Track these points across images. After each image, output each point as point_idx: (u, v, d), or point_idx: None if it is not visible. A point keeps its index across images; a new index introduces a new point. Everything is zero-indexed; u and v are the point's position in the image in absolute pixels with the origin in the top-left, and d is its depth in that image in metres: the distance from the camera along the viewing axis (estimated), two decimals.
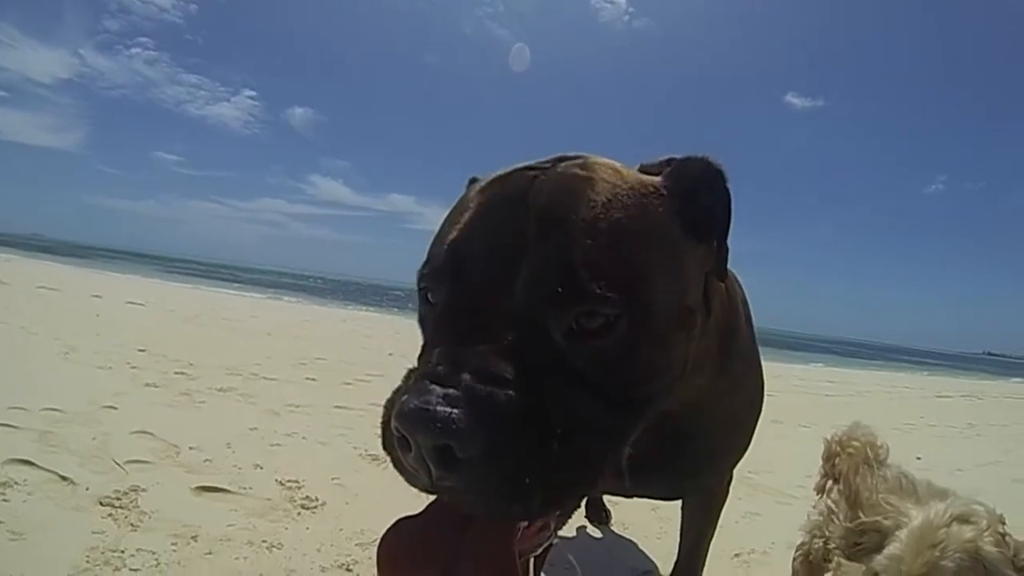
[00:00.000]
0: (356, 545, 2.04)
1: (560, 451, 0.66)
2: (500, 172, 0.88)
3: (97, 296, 8.76)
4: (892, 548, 1.40)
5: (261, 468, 2.61)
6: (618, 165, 0.88)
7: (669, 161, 0.91)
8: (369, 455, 3.04)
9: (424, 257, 0.84)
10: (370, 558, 1.95)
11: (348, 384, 4.93)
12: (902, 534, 1.39)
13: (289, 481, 2.50)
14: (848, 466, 1.73)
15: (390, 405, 0.71)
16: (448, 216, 0.87)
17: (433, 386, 0.62)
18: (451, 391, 0.61)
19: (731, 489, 3.18)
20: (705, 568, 2.12)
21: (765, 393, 1.41)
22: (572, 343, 0.69)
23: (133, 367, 4.25)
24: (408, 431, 0.61)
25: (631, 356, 0.74)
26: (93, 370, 3.99)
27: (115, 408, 3.13)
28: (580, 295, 0.69)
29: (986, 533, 1.29)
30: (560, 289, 0.68)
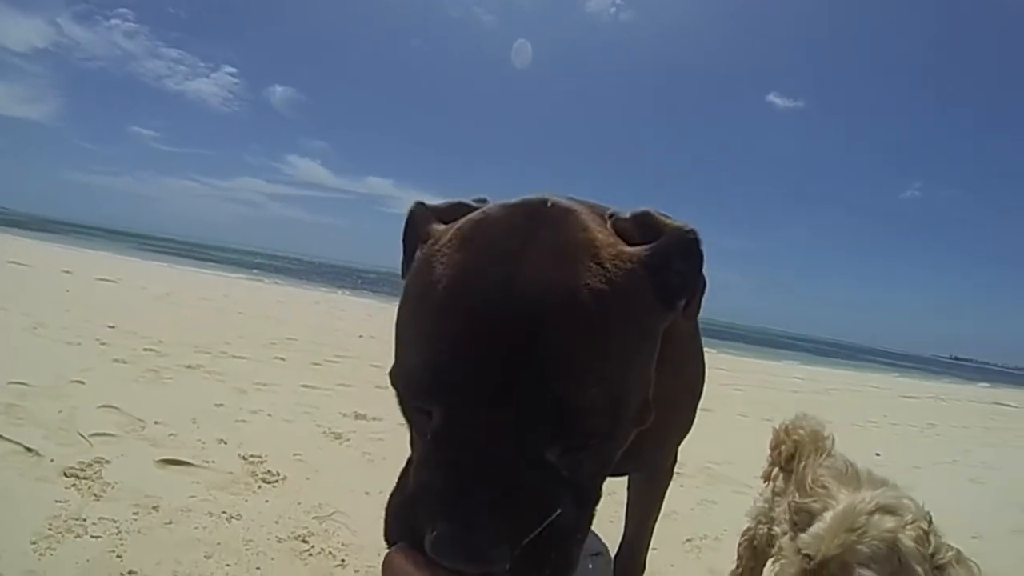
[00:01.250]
0: (313, 518, 2.08)
1: (558, 548, 0.74)
2: (467, 238, 0.81)
3: (67, 272, 8.63)
4: (816, 528, 1.43)
5: (225, 443, 2.64)
6: (598, 239, 0.81)
7: (644, 218, 0.88)
8: (332, 433, 3.09)
9: (397, 339, 0.83)
10: (326, 530, 2.01)
11: (317, 364, 4.94)
12: (827, 516, 1.43)
13: (252, 456, 2.53)
14: (794, 452, 1.77)
15: (403, 516, 0.76)
16: (416, 296, 0.81)
17: (459, 523, 0.67)
18: (476, 528, 0.67)
19: (689, 478, 3.28)
20: (656, 551, 2.16)
21: (706, 375, 1.45)
22: (562, 459, 0.74)
23: (102, 343, 4.23)
24: (451, 566, 0.67)
25: (604, 458, 0.81)
26: (62, 345, 3.98)
27: (82, 383, 3.13)
28: (577, 436, 0.73)
29: (908, 527, 1.31)
30: (560, 432, 0.72)
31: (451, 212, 0.91)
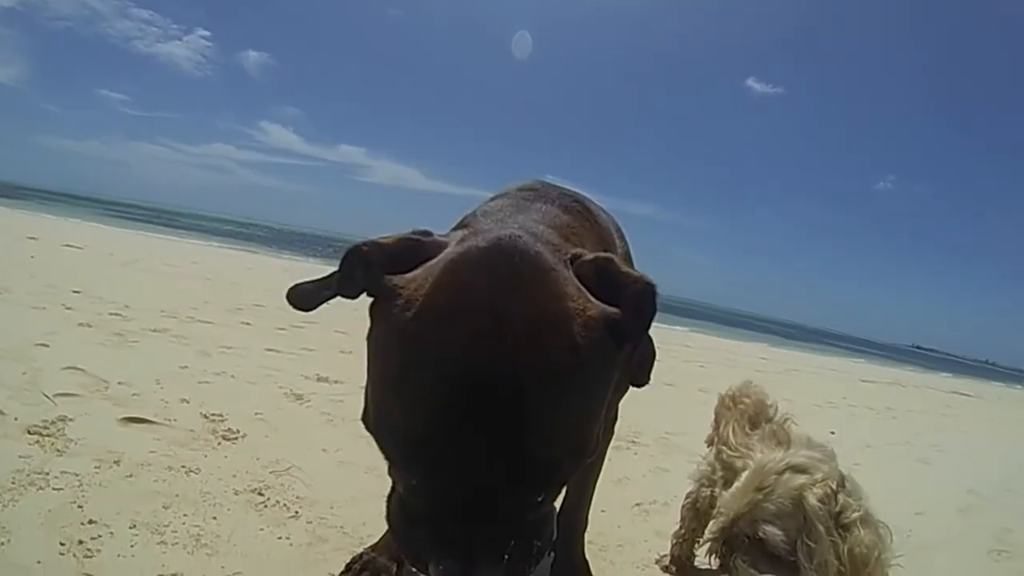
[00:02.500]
0: (270, 473, 2.14)
1: (540, 540, 0.85)
2: (445, 313, 0.80)
3: (33, 238, 8.45)
4: (733, 487, 1.49)
5: (187, 402, 2.68)
6: (569, 309, 0.83)
7: (606, 267, 0.92)
8: (293, 394, 3.14)
9: (380, 390, 0.86)
10: (282, 484, 2.07)
11: (282, 329, 4.96)
12: (743, 475, 1.49)
13: (213, 415, 2.58)
14: (734, 418, 1.82)
15: (410, 540, 0.85)
16: (400, 367, 0.81)
17: (463, 562, 0.77)
18: (478, 563, 0.78)
19: (644, 447, 3.37)
20: (605, 513, 2.24)
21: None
22: (539, 495, 0.84)
23: (67, 308, 4.19)
24: None
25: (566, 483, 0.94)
26: (26, 310, 3.94)
27: (47, 346, 3.13)
28: (552, 482, 0.85)
29: (816, 486, 1.34)
30: (539, 484, 0.82)
31: (401, 252, 0.90)
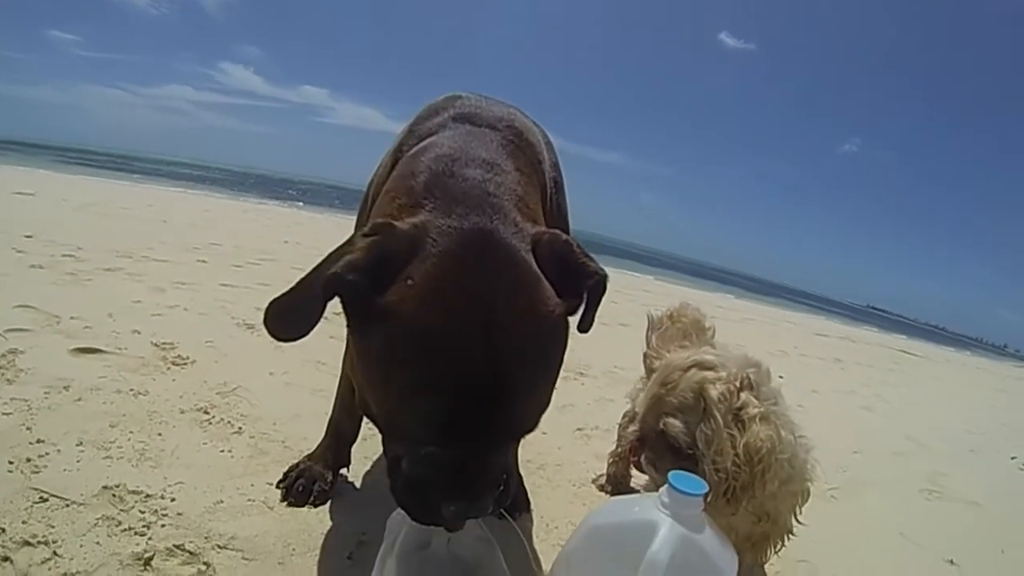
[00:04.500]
0: (216, 394, 2.18)
1: (512, 480, 1.05)
2: (438, 325, 0.87)
3: None
4: (647, 388, 1.56)
5: (139, 333, 2.68)
6: (538, 310, 0.94)
7: (564, 251, 1.02)
8: (245, 324, 3.16)
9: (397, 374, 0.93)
10: (227, 403, 2.11)
11: (238, 266, 4.94)
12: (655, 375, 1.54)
13: (164, 343, 2.60)
14: (668, 332, 1.87)
15: (416, 499, 0.99)
16: (412, 370, 0.89)
17: (469, 502, 0.95)
18: (480, 500, 0.95)
19: (592, 379, 3.47)
20: (547, 436, 2.34)
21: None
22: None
23: (18, 251, 4.08)
24: (465, 519, 1.00)
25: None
26: None
27: None
28: (524, 435, 1.02)
29: (719, 383, 1.38)
30: (516, 438, 1.05)
31: (375, 264, 0.90)
